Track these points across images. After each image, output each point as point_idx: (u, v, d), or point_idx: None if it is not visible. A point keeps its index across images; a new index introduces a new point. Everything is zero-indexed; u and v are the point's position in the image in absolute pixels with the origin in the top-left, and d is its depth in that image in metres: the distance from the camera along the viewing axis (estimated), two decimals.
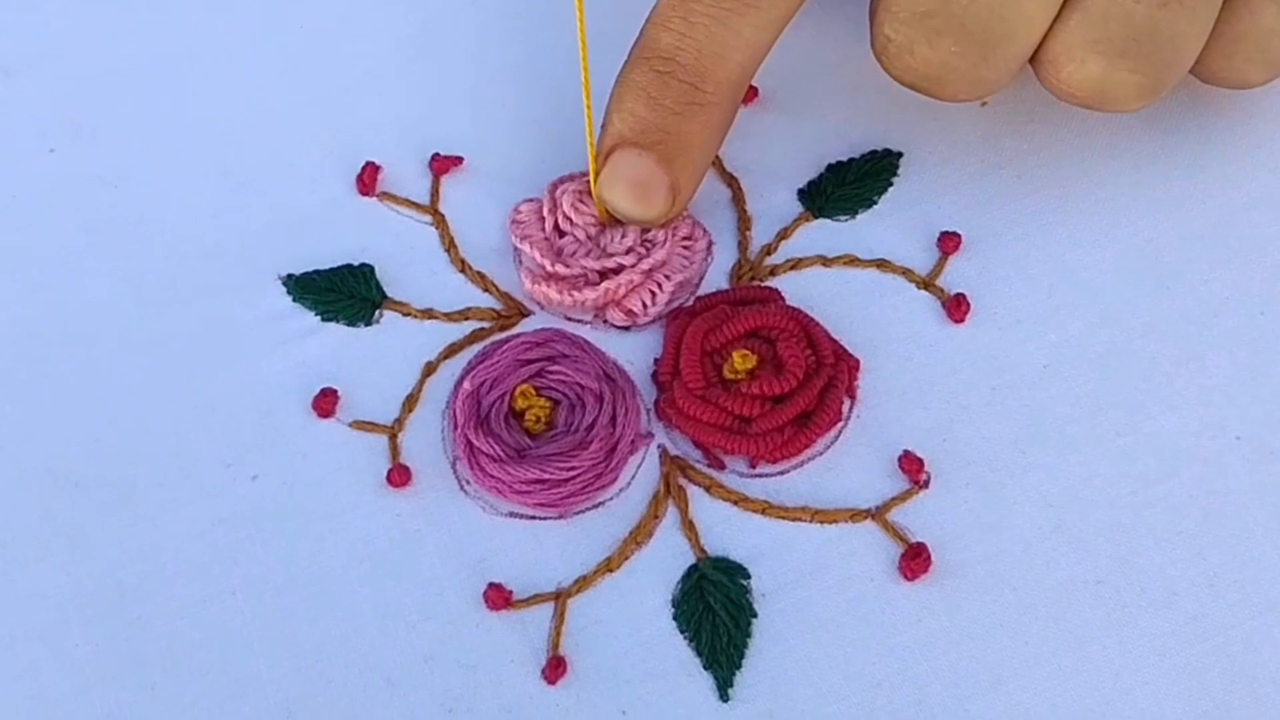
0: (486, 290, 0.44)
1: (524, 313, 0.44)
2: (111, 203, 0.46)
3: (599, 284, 0.42)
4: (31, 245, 0.45)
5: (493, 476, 0.40)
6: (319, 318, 0.44)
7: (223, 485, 0.41)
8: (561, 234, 0.44)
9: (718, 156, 0.46)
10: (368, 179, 0.45)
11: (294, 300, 0.44)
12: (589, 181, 0.43)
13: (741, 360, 0.41)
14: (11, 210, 0.46)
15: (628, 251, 0.43)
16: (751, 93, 0.47)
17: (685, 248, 0.44)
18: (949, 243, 0.43)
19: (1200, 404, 0.40)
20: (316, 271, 0.44)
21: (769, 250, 0.44)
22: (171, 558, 0.40)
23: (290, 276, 0.44)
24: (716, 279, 0.44)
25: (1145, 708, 0.37)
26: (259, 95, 0.48)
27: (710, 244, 0.44)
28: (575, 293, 0.42)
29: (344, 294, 0.44)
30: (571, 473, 0.40)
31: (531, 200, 0.44)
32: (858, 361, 0.42)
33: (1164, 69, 0.39)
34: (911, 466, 0.40)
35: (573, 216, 0.44)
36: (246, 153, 0.47)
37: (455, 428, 0.41)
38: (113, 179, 0.46)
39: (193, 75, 0.48)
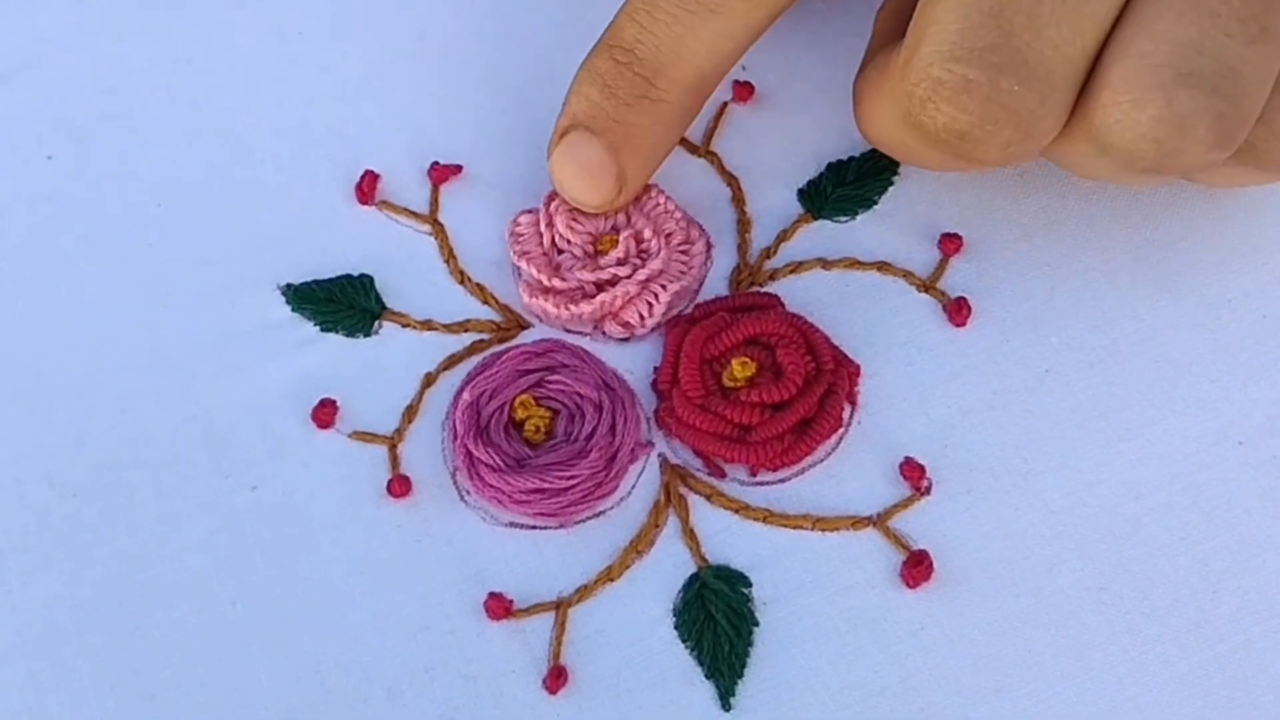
0: (486, 302, 0.44)
1: (523, 325, 0.44)
2: (109, 211, 0.46)
3: (595, 297, 0.42)
4: (29, 252, 0.45)
5: (492, 486, 0.40)
6: (318, 328, 0.43)
7: (222, 496, 0.41)
8: (559, 250, 0.44)
9: (716, 154, 0.45)
10: (367, 188, 0.45)
11: (293, 310, 0.44)
12: None
13: (741, 368, 0.41)
14: (9, 217, 0.46)
15: (621, 262, 0.43)
16: (749, 91, 0.46)
17: (683, 253, 0.44)
18: (950, 244, 0.43)
19: (1203, 409, 0.40)
20: (315, 281, 0.44)
21: (768, 254, 0.44)
22: (170, 569, 0.40)
23: (289, 286, 0.44)
24: (716, 284, 0.44)
25: (1148, 715, 0.37)
26: (257, 103, 0.47)
27: (709, 247, 0.44)
28: (572, 306, 0.42)
29: (343, 304, 0.44)
30: (571, 482, 0.40)
31: (530, 212, 0.44)
32: (858, 367, 0.41)
33: (1246, 118, 0.35)
34: (913, 473, 0.40)
35: (569, 236, 0.43)
36: (245, 161, 0.46)
37: (455, 438, 0.41)
38: (111, 186, 0.46)
39: (191, 83, 0.48)
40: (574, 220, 0.44)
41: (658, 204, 0.44)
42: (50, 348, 0.44)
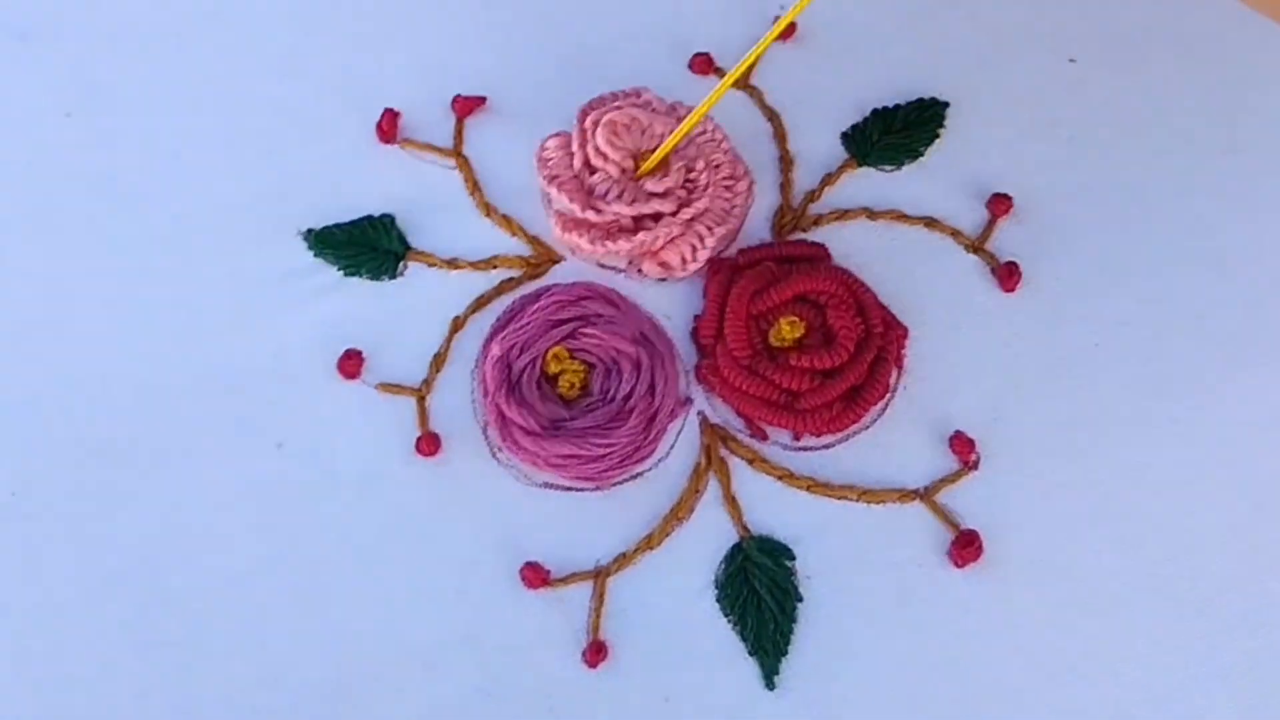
0: (514, 235, 0.42)
1: (554, 259, 0.42)
2: (128, 164, 0.44)
3: (634, 233, 0.40)
4: (50, 209, 0.43)
5: (527, 449, 0.39)
6: (341, 273, 0.42)
7: (248, 453, 0.40)
8: (592, 170, 0.41)
9: (758, 89, 0.43)
10: (387, 126, 0.43)
11: (315, 256, 0.42)
12: (630, 112, 0.41)
13: (790, 328, 0.39)
14: (29, 174, 0.44)
15: (667, 194, 0.40)
16: (790, 29, 0.44)
17: (727, 189, 0.42)
18: (1000, 205, 0.42)
19: (1258, 391, 0.39)
20: (337, 225, 0.42)
21: (813, 197, 0.42)
22: (199, 530, 0.39)
23: (310, 231, 0.42)
24: (757, 224, 0.42)
25: (1193, 702, 0.37)
26: (272, 45, 0.45)
27: (752, 184, 0.42)
28: (609, 242, 0.40)
29: (365, 247, 0.42)
30: (609, 448, 0.39)
31: (560, 134, 0.42)
32: (906, 330, 0.40)
33: None
34: (962, 447, 0.39)
35: (607, 151, 0.41)
36: (261, 106, 0.44)
37: (486, 394, 0.39)
38: (129, 140, 0.44)
39: (205, 29, 0.46)
40: (615, 135, 0.41)
41: (705, 131, 0.42)
42: (72, 304, 0.42)
